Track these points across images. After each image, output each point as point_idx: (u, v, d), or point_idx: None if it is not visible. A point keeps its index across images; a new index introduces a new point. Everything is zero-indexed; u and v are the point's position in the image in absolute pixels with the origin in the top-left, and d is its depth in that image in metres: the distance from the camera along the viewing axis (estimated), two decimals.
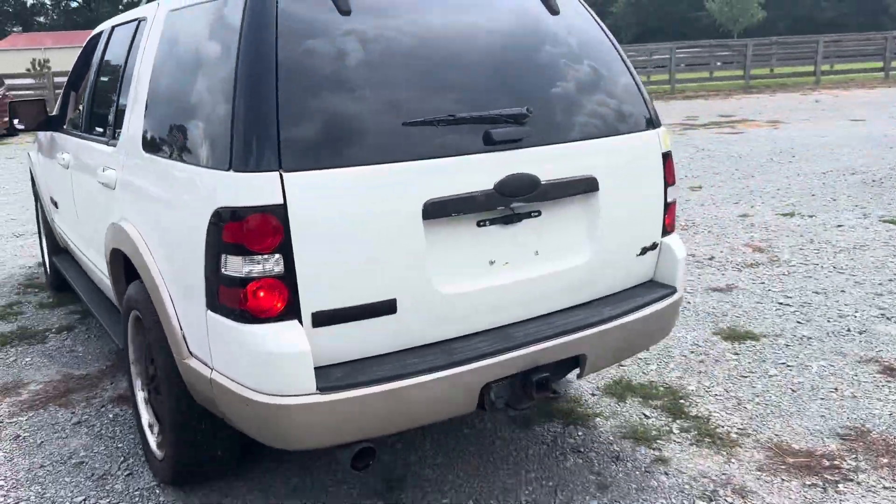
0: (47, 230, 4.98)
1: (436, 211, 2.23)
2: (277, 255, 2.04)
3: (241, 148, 2.07)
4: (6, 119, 17.72)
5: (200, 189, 2.23)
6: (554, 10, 2.68)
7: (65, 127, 4.24)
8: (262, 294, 2.05)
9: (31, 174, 5.19)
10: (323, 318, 2.12)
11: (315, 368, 2.08)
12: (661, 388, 3.57)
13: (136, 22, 3.23)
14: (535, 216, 2.45)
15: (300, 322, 2.08)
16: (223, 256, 2.08)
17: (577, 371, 2.51)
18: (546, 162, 2.43)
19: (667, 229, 2.83)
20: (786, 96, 20.22)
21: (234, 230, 2.04)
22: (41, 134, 4.69)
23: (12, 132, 17.07)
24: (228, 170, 2.09)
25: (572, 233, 2.56)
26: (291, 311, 2.07)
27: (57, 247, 4.82)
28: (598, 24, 2.81)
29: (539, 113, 2.46)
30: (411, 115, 2.24)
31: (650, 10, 77.16)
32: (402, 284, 2.21)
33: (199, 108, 2.37)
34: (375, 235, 2.16)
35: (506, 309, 2.44)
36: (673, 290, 2.78)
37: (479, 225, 2.35)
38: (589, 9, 2.85)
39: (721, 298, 4.76)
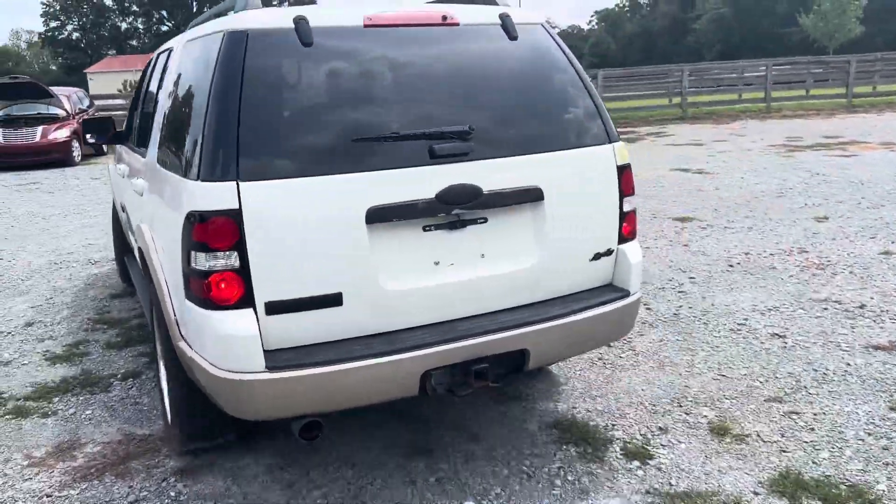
0: (117, 231, 5.61)
1: (378, 216, 2.54)
2: (234, 252, 2.40)
3: (208, 161, 2.45)
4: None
5: (181, 195, 2.58)
6: (513, 37, 2.94)
7: (128, 141, 4.61)
8: (222, 285, 2.41)
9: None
10: (275, 308, 2.46)
11: (268, 351, 2.45)
12: (843, 487, 2.82)
13: (169, 50, 3.69)
14: (482, 223, 2.73)
15: (255, 310, 2.44)
16: (192, 253, 2.45)
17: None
18: (490, 173, 2.70)
19: (624, 236, 3.04)
20: (894, 116, 18.76)
21: (199, 230, 2.42)
22: (117, 147, 5.10)
23: (98, 151, 17.45)
24: (197, 179, 2.46)
25: (520, 238, 2.82)
26: (246, 300, 2.43)
27: (127, 246, 5.08)
28: (560, 48, 3.04)
29: (486, 130, 2.75)
30: (361, 132, 2.58)
31: (734, 27, 74.86)
32: (348, 280, 2.53)
33: (187, 128, 2.73)
34: (322, 237, 2.49)
35: (451, 305, 2.70)
36: (626, 294, 2.99)
37: (424, 230, 2.65)
38: (553, 35, 3.07)
39: (888, 360, 3.96)
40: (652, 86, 23.76)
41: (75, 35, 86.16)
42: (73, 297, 5.72)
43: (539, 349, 2.77)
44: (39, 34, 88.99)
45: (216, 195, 2.40)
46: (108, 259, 6.83)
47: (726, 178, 10.05)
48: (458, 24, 2.90)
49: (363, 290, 2.56)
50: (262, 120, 2.49)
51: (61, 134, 15.49)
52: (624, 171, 3.02)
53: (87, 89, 62.90)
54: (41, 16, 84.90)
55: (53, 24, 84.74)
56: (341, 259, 2.52)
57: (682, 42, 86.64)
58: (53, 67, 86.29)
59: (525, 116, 2.89)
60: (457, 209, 2.64)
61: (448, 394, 2.69)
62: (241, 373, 2.42)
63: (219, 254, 2.40)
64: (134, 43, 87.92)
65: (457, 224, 2.68)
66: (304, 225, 2.47)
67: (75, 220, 9.10)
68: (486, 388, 2.74)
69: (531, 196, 2.79)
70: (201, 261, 2.42)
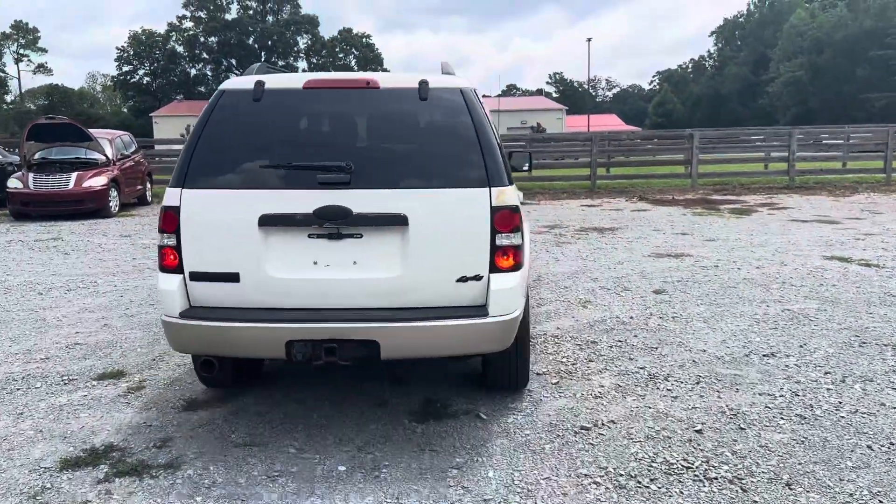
0: None
1: (266, 221, 3.53)
2: (173, 235, 3.60)
3: (175, 175, 3.65)
4: (139, 186, 16.85)
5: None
6: (423, 98, 3.73)
7: None
8: (170, 257, 3.62)
9: None
10: (195, 276, 3.60)
11: (193, 306, 3.61)
12: None
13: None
14: (358, 237, 3.55)
15: (183, 276, 3.60)
16: (160, 234, 3.65)
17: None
18: (361, 200, 3.50)
19: (498, 267, 3.56)
20: None
21: (162, 219, 3.63)
22: None
23: (141, 200, 15.96)
24: (171, 186, 3.67)
25: (387, 253, 3.54)
26: (178, 269, 3.61)
27: None
28: (469, 108, 3.70)
29: (370, 167, 3.60)
30: (270, 162, 3.66)
31: (811, 91, 71.97)
32: (243, 265, 3.56)
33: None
34: (228, 232, 3.57)
35: (323, 296, 3.55)
36: (483, 315, 3.50)
37: (309, 236, 3.55)
38: (469, 98, 3.74)
39: None
40: (747, 148, 21.45)
41: (146, 79, 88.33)
42: None
43: (389, 343, 3.45)
44: (112, 77, 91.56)
45: (171, 196, 3.63)
46: (90, 374, 4.86)
47: None
48: (378, 87, 3.79)
49: (253, 274, 3.56)
50: (208, 149, 3.68)
51: (98, 181, 14.02)
52: (499, 212, 3.55)
53: (152, 132, 63.84)
54: (115, 60, 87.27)
55: (126, 68, 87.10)
56: (239, 249, 3.56)
57: (752, 105, 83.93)
58: (125, 110, 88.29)
59: (406, 159, 3.71)
60: (328, 223, 3.51)
61: (306, 362, 3.49)
62: (168, 317, 3.59)
63: (167, 235, 3.62)
64: (202, 89, 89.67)
65: (335, 235, 3.54)
66: (218, 221, 3.60)
67: (77, 298, 7.21)
68: (335, 363, 3.48)
69: (397, 221, 3.51)
70: (161, 240, 3.64)
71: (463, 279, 3.56)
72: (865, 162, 20.25)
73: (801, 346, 5.24)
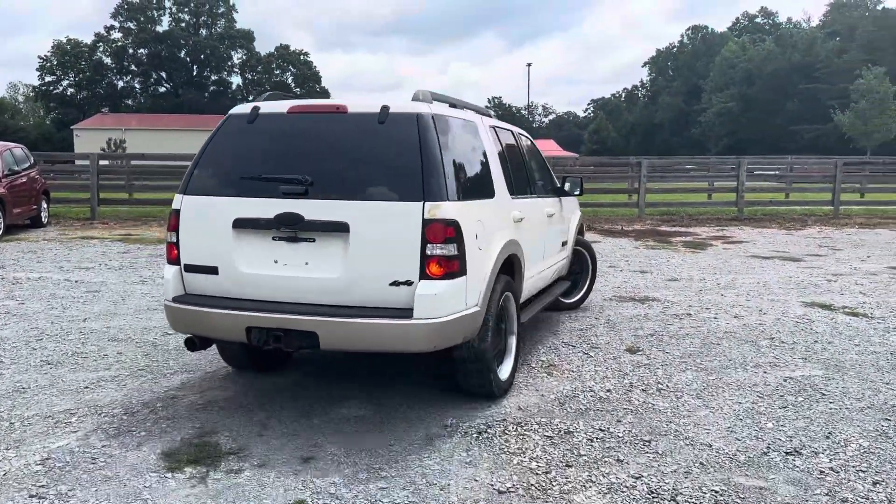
0: None
1: (237, 224, 4.13)
2: (175, 233, 4.31)
3: (182, 182, 4.39)
4: (33, 206, 14.94)
5: None
6: (381, 122, 4.13)
7: None
8: (173, 251, 4.33)
9: None
10: (188, 268, 4.29)
11: (187, 293, 4.31)
12: None
13: None
14: (311, 241, 4.03)
15: (180, 268, 4.31)
16: (168, 233, 4.39)
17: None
18: (313, 208, 3.99)
19: (428, 275, 3.87)
20: None
21: (169, 220, 4.38)
22: None
23: (35, 223, 14.09)
24: (178, 193, 4.40)
25: (332, 256, 3.99)
26: (177, 262, 4.31)
27: None
28: (420, 132, 4.05)
29: (326, 180, 4.05)
30: (247, 173, 4.19)
31: (742, 122, 73.69)
32: (220, 260, 4.19)
33: None
34: (210, 231, 4.22)
35: (281, 291, 4.07)
36: (408, 317, 3.84)
37: (273, 239, 4.08)
38: (421, 123, 4.08)
39: None
40: (695, 178, 20.85)
41: (70, 91, 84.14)
42: None
43: (326, 336, 3.91)
44: (34, 88, 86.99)
45: (175, 201, 4.34)
46: None
47: None
48: (346, 112, 4.27)
49: (228, 269, 4.18)
50: (207, 162, 4.40)
51: None
52: (431, 224, 3.87)
53: (72, 145, 60.32)
54: (37, 69, 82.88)
55: (49, 78, 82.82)
56: (218, 247, 4.19)
57: (685, 134, 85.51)
58: (48, 122, 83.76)
59: (356, 174, 4.09)
60: (284, 228, 4.02)
61: (261, 347, 4.13)
62: (166, 301, 4.32)
63: (171, 234, 4.34)
64: (129, 102, 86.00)
65: (293, 238, 4.05)
66: (204, 222, 4.26)
67: None
68: (280, 349, 4.12)
69: (340, 228, 3.95)
70: (168, 237, 4.38)
71: (395, 283, 3.92)
72: (810, 194, 19.86)
73: (826, 437, 4.12)
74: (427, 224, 3.86)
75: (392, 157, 4.07)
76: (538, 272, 5.77)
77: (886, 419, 4.42)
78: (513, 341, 4.90)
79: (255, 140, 4.36)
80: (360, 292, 3.95)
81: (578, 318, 7.06)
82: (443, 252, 3.87)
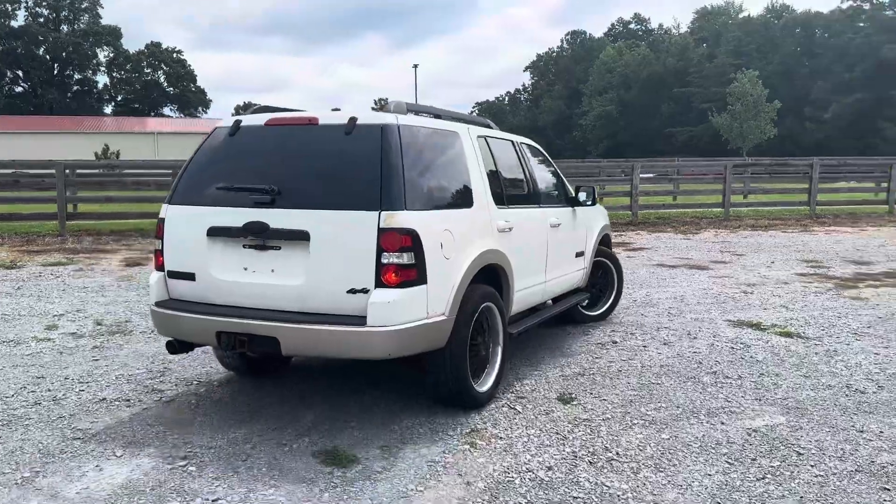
0: None
1: (211, 232, 4.29)
2: (160, 241, 4.51)
3: (169, 193, 4.62)
4: None
5: None
6: (347, 133, 4.18)
7: None
8: (159, 258, 4.53)
9: None
10: (170, 274, 4.47)
11: (171, 298, 4.49)
12: None
13: None
14: (277, 249, 4.14)
15: (164, 274, 4.49)
16: (155, 241, 4.60)
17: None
18: (278, 217, 4.10)
19: (383, 283, 3.91)
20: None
21: (157, 228, 4.59)
22: None
23: None
24: (164, 202, 4.62)
25: (295, 264, 4.08)
26: (162, 268, 4.50)
27: None
28: (382, 143, 4.07)
29: (291, 190, 4.14)
30: (221, 183, 4.35)
31: (620, 125, 75.99)
32: (196, 267, 4.35)
33: None
34: (189, 239, 4.39)
35: (250, 297, 4.18)
36: (361, 324, 3.89)
37: (243, 246, 4.22)
38: (384, 134, 4.11)
39: None
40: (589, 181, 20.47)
41: None
42: None
43: (287, 342, 3.99)
44: None
45: (162, 210, 4.55)
46: None
47: None
48: (317, 124, 4.35)
49: (203, 275, 4.32)
50: (188, 174, 4.56)
51: None
52: (386, 233, 3.90)
53: None
54: None
55: None
56: (194, 254, 4.35)
57: (567, 136, 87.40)
58: None
59: (319, 183, 4.15)
60: (251, 236, 4.15)
61: (230, 350, 4.32)
62: (151, 306, 4.52)
63: (157, 241, 4.55)
64: None
65: (261, 246, 4.17)
66: (183, 230, 4.43)
67: None
68: (245, 353, 4.35)
69: (301, 236, 4.04)
70: (155, 245, 4.58)
71: (352, 291, 3.96)
72: (701, 197, 19.92)
73: None
74: (382, 232, 3.90)
75: (355, 167, 4.12)
76: (538, 283, 5.69)
77: (885, 488, 3.62)
78: (498, 352, 4.88)
79: (234, 152, 4.53)
80: (320, 299, 4.04)
81: None
82: (398, 261, 3.91)
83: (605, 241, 7.30)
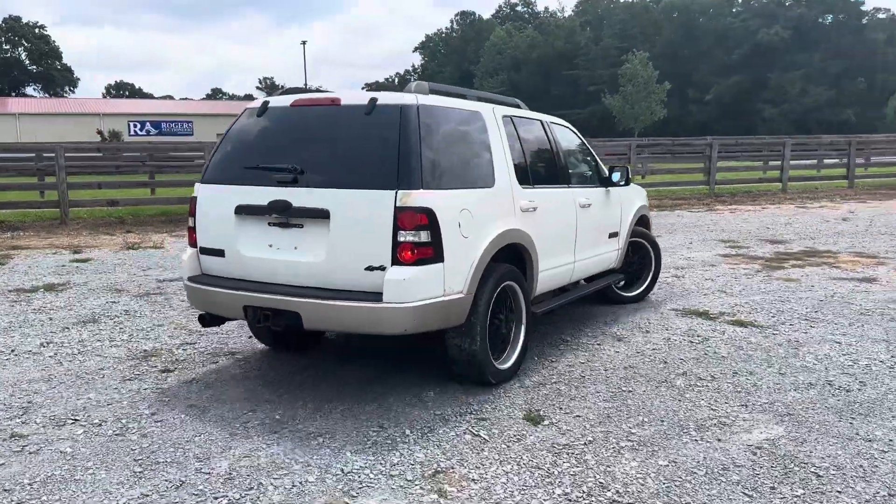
0: None
1: (238, 210, 4.41)
2: (193, 218, 4.67)
3: (202, 172, 4.78)
4: None
5: None
6: (367, 113, 4.24)
7: None
8: (192, 235, 4.68)
9: None
10: (202, 251, 4.63)
11: (203, 274, 4.66)
12: None
13: None
14: (300, 227, 4.24)
15: (197, 251, 4.66)
16: (189, 218, 4.74)
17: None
18: (300, 196, 4.19)
19: (399, 260, 3.97)
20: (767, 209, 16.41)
21: (189, 206, 4.75)
22: None
23: None
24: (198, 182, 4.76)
25: (317, 241, 4.18)
26: (195, 244, 4.66)
27: None
28: (401, 122, 4.11)
29: (313, 169, 4.23)
30: (248, 163, 4.44)
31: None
32: (226, 244, 4.50)
33: None
34: (217, 217, 4.53)
35: (273, 272, 4.31)
36: (378, 300, 3.96)
37: (268, 224, 4.33)
38: (403, 114, 4.14)
39: None
40: None
41: None
42: None
43: (308, 316, 4.09)
44: None
45: (195, 189, 4.69)
46: None
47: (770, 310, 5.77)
48: (339, 104, 4.41)
49: (232, 252, 4.47)
50: (219, 153, 4.70)
51: None
52: (403, 211, 3.94)
53: None
54: None
55: None
56: (224, 231, 4.49)
57: None
58: None
59: (340, 162, 4.23)
60: (275, 214, 4.26)
61: (256, 324, 4.39)
62: (184, 280, 4.68)
63: (191, 219, 4.69)
64: None
65: (285, 224, 4.27)
66: (214, 209, 4.55)
67: None
68: (268, 328, 4.46)
69: (321, 215, 4.13)
70: (189, 222, 4.73)
71: (370, 268, 4.02)
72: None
73: None
74: (399, 211, 3.95)
75: (374, 147, 4.17)
76: (563, 263, 5.62)
77: None
78: (521, 331, 4.93)
79: (260, 132, 4.61)
80: (340, 276, 4.11)
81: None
82: (414, 239, 3.96)
83: (642, 222, 7.23)
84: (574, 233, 5.71)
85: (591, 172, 6.34)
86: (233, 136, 4.70)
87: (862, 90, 64.38)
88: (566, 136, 6.16)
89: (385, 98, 4.26)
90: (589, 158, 6.43)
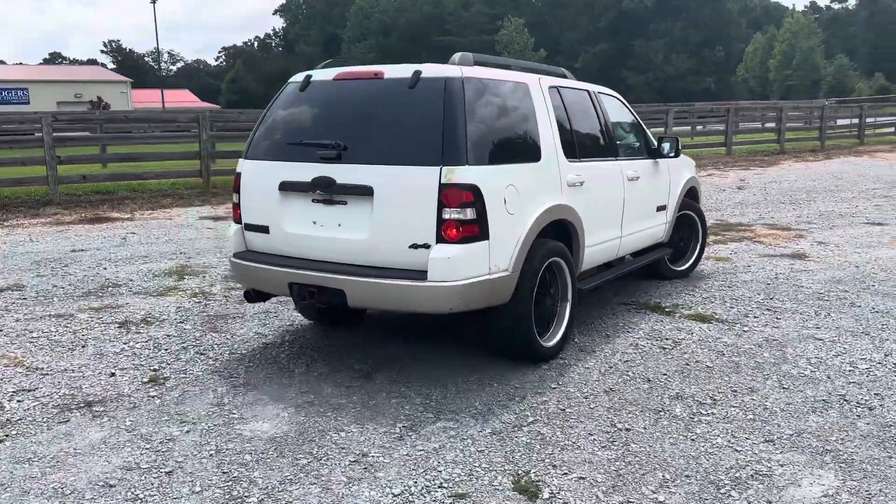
0: None
1: (283, 187, 4.34)
2: (237, 195, 4.62)
3: (245, 147, 4.72)
4: None
5: None
6: (411, 86, 4.10)
7: None
8: (237, 211, 4.65)
9: None
10: (247, 227, 4.59)
11: (248, 250, 4.61)
12: None
13: None
14: (343, 204, 4.16)
15: (242, 227, 4.62)
16: (233, 194, 4.72)
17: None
18: (344, 172, 4.11)
19: (444, 238, 3.88)
20: None
21: (234, 182, 4.70)
22: None
23: None
24: (241, 158, 4.71)
25: (361, 218, 4.09)
26: (240, 221, 4.63)
27: None
28: (445, 96, 4.00)
29: (357, 145, 4.13)
30: (293, 139, 4.41)
31: None
32: (270, 220, 4.44)
33: None
34: (264, 193, 4.45)
35: (317, 250, 4.27)
36: (423, 279, 3.88)
37: (313, 201, 4.25)
38: (448, 87, 4.02)
39: None
40: None
41: None
42: None
43: (353, 294, 4.05)
44: None
45: (239, 165, 4.66)
46: None
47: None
48: (382, 78, 4.28)
49: (276, 228, 4.41)
50: (262, 128, 4.64)
51: None
52: (448, 188, 3.85)
53: None
54: None
55: None
56: (269, 208, 4.43)
57: None
58: None
59: (383, 138, 4.16)
60: (319, 191, 4.17)
61: (300, 301, 4.36)
62: (230, 257, 4.64)
63: (235, 195, 4.65)
64: None
65: (329, 201, 4.18)
66: (258, 185, 4.50)
67: None
68: (313, 305, 4.39)
69: (365, 192, 4.04)
70: (234, 198, 4.68)
71: (414, 246, 3.95)
72: None
73: None
74: (444, 188, 3.86)
75: (418, 121, 4.10)
76: (610, 238, 5.48)
77: None
78: (566, 308, 4.79)
79: (305, 106, 4.54)
80: (384, 254, 4.04)
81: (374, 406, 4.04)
82: (460, 216, 3.87)
83: (691, 194, 7.01)
84: (621, 207, 5.56)
85: (638, 144, 6.17)
86: (276, 111, 4.65)
87: (721, 59, 67.68)
88: (613, 106, 5.97)
89: (429, 70, 4.14)
90: (637, 129, 6.25)
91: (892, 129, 25.00)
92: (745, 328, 5.34)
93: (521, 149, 4.45)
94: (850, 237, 9.04)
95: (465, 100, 4.01)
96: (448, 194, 3.84)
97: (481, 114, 4.13)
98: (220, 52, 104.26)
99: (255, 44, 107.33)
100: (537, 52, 53.51)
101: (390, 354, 4.77)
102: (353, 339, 5.13)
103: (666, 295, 6.30)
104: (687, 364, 4.60)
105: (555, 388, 4.22)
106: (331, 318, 5.32)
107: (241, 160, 4.65)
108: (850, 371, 4.49)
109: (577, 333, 5.22)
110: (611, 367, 4.55)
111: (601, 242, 5.27)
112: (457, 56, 4.34)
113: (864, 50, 76.71)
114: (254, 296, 4.73)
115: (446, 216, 3.85)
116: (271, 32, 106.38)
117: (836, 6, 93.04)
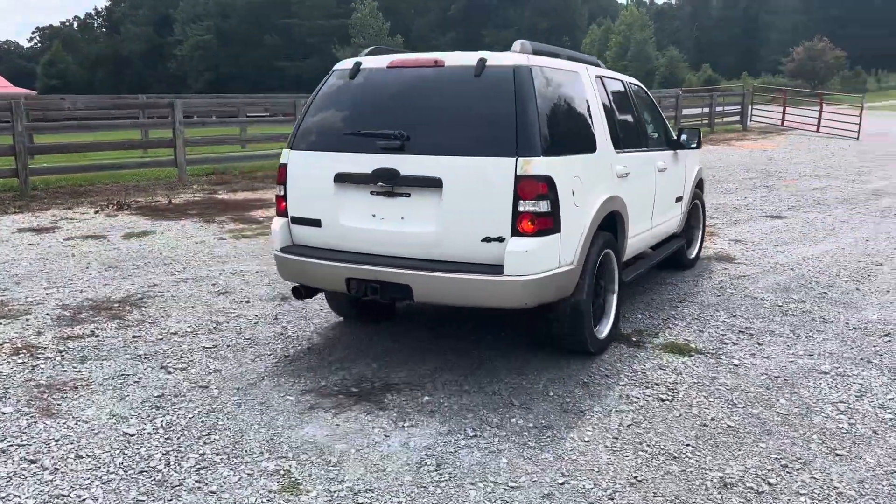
0: None
1: (338, 178, 4.16)
2: (283, 187, 4.41)
3: (289, 137, 4.50)
4: None
5: None
6: (476, 75, 3.99)
7: None
8: (281, 204, 4.44)
9: None
10: (294, 220, 4.39)
11: (294, 244, 4.41)
12: None
13: None
14: (406, 196, 3.99)
15: (288, 220, 4.42)
16: (277, 186, 4.49)
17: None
18: (408, 164, 3.95)
19: (519, 231, 3.79)
20: None
21: (277, 174, 4.50)
22: None
23: None
24: (285, 148, 4.49)
25: (427, 212, 3.95)
26: (285, 214, 4.43)
27: None
28: (515, 83, 3.89)
29: (421, 135, 3.98)
30: (349, 128, 4.21)
31: (221, 57, 70.09)
32: (323, 213, 4.26)
33: None
34: (315, 185, 4.26)
35: (377, 244, 4.09)
36: (499, 273, 3.77)
37: (371, 193, 4.08)
38: (518, 75, 3.92)
39: None
40: (245, 122, 16.66)
41: None
42: None
43: (420, 289, 3.91)
44: None
45: (283, 155, 4.46)
46: None
47: None
48: (443, 66, 4.16)
49: (330, 221, 4.23)
50: (311, 115, 4.44)
51: None
52: (523, 180, 3.74)
53: None
54: None
55: None
56: (321, 200, 4.24)
57: (160, 68, 78.44)
58: None
59: (450, 128, 4.02)
60: (381, 183, 4.00)
61: (360, 297, 4.18)
62: (275, 251, 4.45)
63: (280, 187, 4.42)
64: None
65: (390, 193, 4.02)
66: (309, 176, 4.31)
67: None
68: (375, 300, 4.35)
69: (434, 183, 3.89)
70: (277, 190, 4.47)
71: (487, 239, 3.83)
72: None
73: None
74: (519, 180, 3.78)
75: (487, 111, 3.96)
76: (646, 229, 5.48)
77: None
78: (613, 300, 4.75)
79: (356, 95, 4.37)
80: (453, 247, 3.93)
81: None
82: (535, 209, 3.80)
83: (699, 185, 7.09)
84: (653, 198, 5.59)
85: (659, 134, 6.12)
86: (323, 100, 4.49)
87: (568, 48, 69.65)
88: (641, 96, 5.97)
89: (494, 59, 4.06)
90: (660, 120, 6.25)
91: (737, 118, 26.19)
92: (734, 361, 4.49)
93: (580, 139, 4.39)
94: (761, 233, 8.69)
95: (535, 89, 3.92)
96: (524, 186, 3.76)
97: (548, 103, 4.06)
98: (34, 33, 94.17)
99: (75, 24, 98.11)
100: (394, 38, 52.19)
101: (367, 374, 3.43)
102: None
103: (623, 320, 5.35)
104: (703, 425, 3.63)
105: (563, 482, 3.08)
106: (373, 314, 5.17)
107: (285, 150, 4.47)
108: (888, 419, 3.71)
109: (547, 382, 4.12)
110: (616, 438, 3.49)
111: (639, 233, 5.30)
112: (517, 44, 4.25)
113: (689, 43, 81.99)
114: (304, 292, 4.53)
115: (522, 208, 3.78)
116: (93, 12, 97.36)
117: (659, 1, 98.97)
